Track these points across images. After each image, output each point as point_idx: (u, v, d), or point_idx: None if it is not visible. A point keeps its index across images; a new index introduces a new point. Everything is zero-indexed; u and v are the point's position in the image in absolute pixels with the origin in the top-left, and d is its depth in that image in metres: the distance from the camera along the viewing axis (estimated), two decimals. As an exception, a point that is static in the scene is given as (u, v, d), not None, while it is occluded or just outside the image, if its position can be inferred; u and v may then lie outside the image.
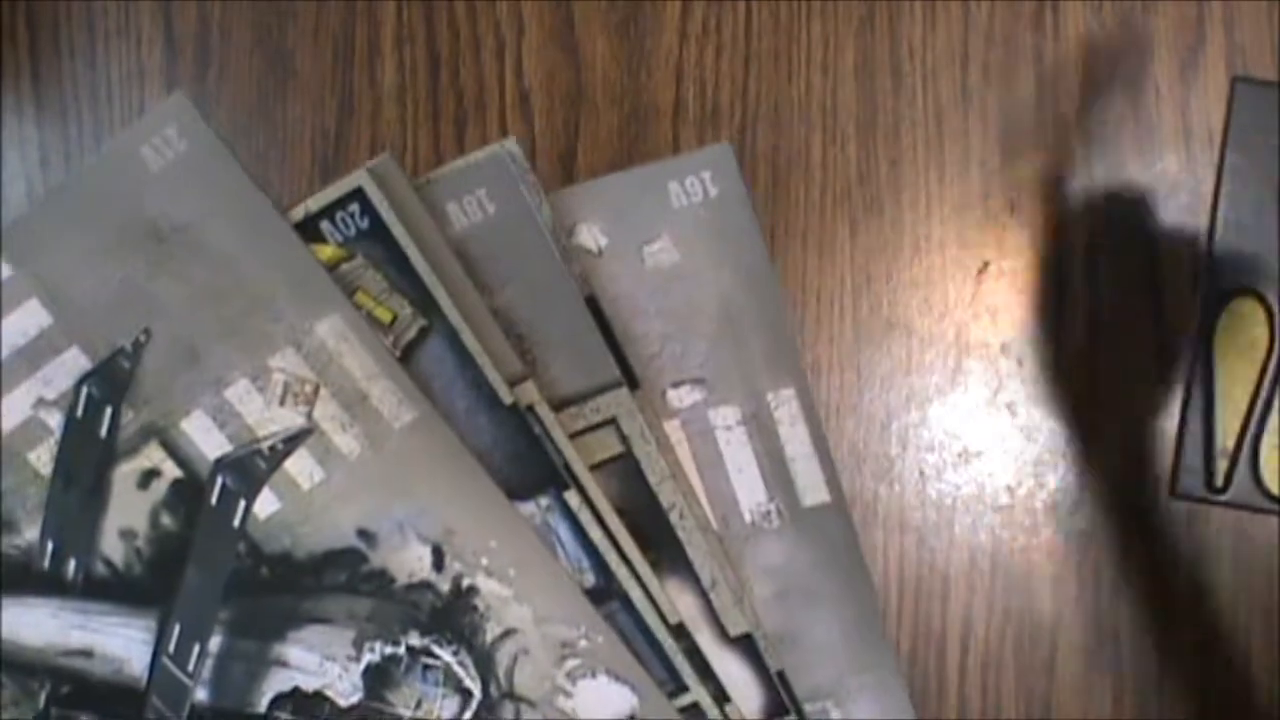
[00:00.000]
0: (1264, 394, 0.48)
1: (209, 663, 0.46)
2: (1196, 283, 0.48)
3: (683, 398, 0.48)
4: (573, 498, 0.46)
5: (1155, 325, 0.48)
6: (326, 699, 0.45)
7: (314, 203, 0.46)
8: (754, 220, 0.48)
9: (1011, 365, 0.49)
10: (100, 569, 0.46)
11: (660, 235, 0.48)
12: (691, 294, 0.48)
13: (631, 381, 0.47)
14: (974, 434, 0.49)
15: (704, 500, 0.48)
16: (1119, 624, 0.48)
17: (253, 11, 0.51)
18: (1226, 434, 0.48)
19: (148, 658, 0.46)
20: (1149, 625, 0.48)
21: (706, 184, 0.48)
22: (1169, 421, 0.48)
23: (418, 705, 0.45)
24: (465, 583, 0.45)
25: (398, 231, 0.46)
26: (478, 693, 0.45)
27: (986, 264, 0.49)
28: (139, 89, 0.52)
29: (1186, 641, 0.48)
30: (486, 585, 0.45)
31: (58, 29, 0.52)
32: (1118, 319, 0.49)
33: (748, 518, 0.48)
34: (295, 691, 0.45)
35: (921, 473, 0.49)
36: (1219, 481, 0.48)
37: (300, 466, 0.46)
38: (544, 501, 0.46)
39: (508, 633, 0.45)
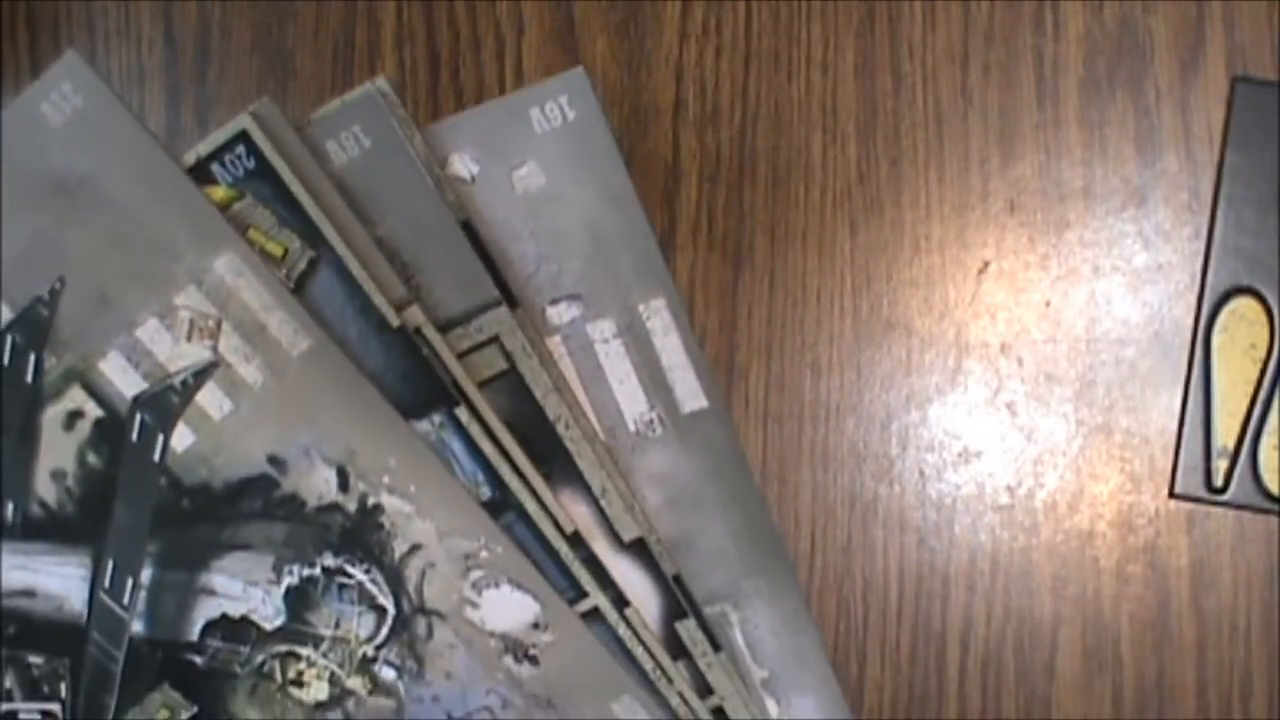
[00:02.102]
0: (1264, 394, 0.48)
1: (142, 595, 0.47)
2: (1196, 283, 0.48)
3: (561, 314, 0.49)
4: (463, 413, 0.47)
5: (1154, 325, 0.48)
6: (253, 623, 0.47)
7: (203, 147, 0.48)
8: (611, 141, 0.49)
9: (1011, 365, 0.49)
10: (36, 510, 0.48)
11: (527, 160, 0.49)
12: (561, 214, 0.49)
13: (510, 301, 0.49)
14: (974, 434, 0.49)
15: (590, 412, 0.49)
16: (1119, 624, 0.48)
17: (253, 11, 0.51)
18: (1226, 434, 0.48)
19: (85, 594, 0.47)
20: (1149, 625, 0.48)
21: (564, 108, 0.49)
22: (1169, 421, 0.48)
23: (336, 625, 0.47)
24: (370, 501, 0.47)
25: (282, 170, 0.48)
26: (391, 609, 0.47)
27: (986, 264, 0.49)
28: (139, 89, 0.52)
29: (1186, 641, 0.48)
30: (390, 503, 0.47)
31: (58, 29, 0.52)
32: (1116, 318, 0.49)
33: (632, 428, 0.49)
34: (223, 618, 0.47)
35: (921, 473, 0.49)
36: (1219, 481, 0.48)
37: (210, 399, 0.47)
38: (437, 419, 0.47)
39: (414, 548, 0.47)
